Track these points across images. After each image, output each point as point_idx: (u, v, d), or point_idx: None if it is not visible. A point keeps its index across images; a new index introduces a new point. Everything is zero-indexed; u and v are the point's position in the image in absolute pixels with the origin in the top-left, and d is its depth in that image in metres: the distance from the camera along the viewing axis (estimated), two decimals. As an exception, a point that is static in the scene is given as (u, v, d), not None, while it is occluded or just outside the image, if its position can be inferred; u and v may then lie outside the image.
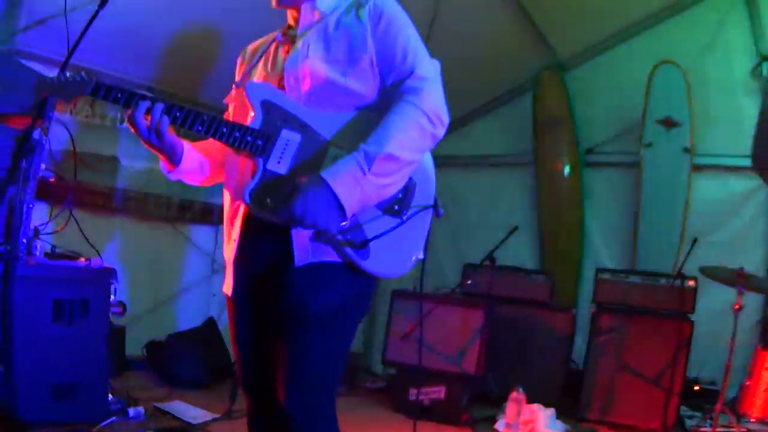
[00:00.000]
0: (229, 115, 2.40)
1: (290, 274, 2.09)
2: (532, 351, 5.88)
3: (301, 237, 2.08)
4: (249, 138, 2.07)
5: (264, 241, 2.18)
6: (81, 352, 4.06)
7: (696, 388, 5.65)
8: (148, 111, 2.06)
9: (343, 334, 2.21)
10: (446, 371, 5.34)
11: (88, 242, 4.47)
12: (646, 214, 6.65)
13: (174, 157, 2.25)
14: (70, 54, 2.70)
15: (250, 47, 2.51)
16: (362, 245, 2.04)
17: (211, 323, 5.93)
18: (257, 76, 2.33)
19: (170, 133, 2.16)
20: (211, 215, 6.26)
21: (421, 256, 2.23)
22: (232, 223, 2.27)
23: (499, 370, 5.62)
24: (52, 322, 3.94)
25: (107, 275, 4.31)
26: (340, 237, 2.01)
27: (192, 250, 6.27)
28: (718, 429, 4.69)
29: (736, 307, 4.69)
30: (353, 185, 2.00)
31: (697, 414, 5.34)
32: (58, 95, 2.11)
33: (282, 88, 2.17)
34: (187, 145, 2.30)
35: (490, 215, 7.27)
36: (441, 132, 2.14)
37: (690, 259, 5.68)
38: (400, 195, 2.14)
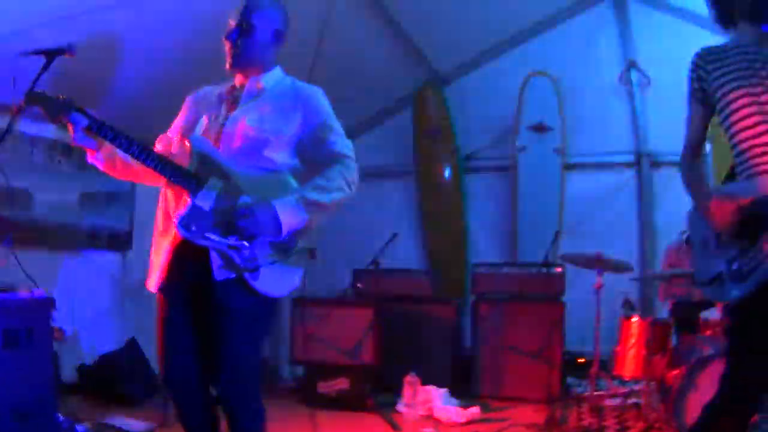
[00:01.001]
0: (168, 147, 2.97)
1: (212, 285, 2.70)
2: (422, 341, 6.55)
3: (215, 259, 2.70)
4: (185, 179, 2.69)
5: (189, 257, 2.73)
6: (31, 376, 4.34)
7: (580, 360, 6.51)
8: (106, 139, 2.71)
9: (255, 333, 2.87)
10: (347, 364, 5.99)
11: (26, 275, 4.72)
12: (523, 212, 7.56)
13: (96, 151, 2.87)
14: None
15: (199, 95, 3.08)
16: (254, 270, 2.69)
17: (133, 343, 6.23)
18: (201, 126, 2.88)
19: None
20: (117, 242, 6.60)
21: (297, 285, 2.88)
22: (163, 235, 2.83)
23: (395, 360, 6.23)
24: (2, 348, 4.22)
25: (48, 304, 4.65)
26: (240, 264, 2.67)
27: (102, 277, 6.56)
28: (596, 391, 5.57)
29: (596, 286, 5.61)
30: (289, 212, 2.70)
31: (583, 383, 6.19)
32: (46, 109, 2.66)
33: (218, 141, 2.80)
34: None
35: (378, 222, 7.85)
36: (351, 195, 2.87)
37: (566, 248, 6.47)
38: (290, 237, 2.79)
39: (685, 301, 5.99)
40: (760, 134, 2.50)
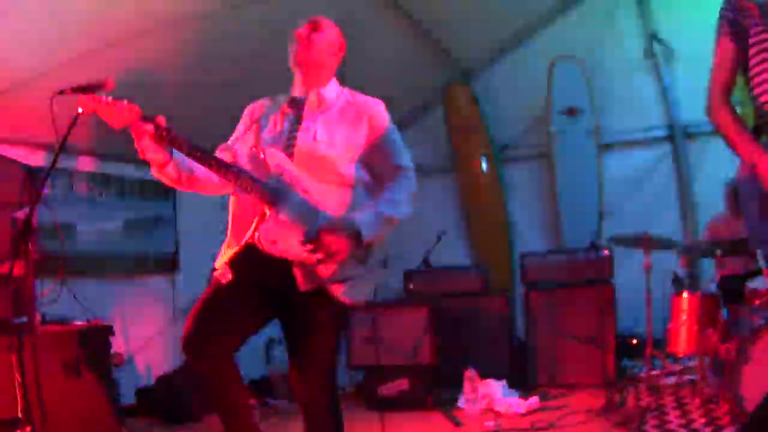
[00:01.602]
0: (235, 158, 3.10)
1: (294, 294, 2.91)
2: (477, 335, 6.76)
3: (298, 270, 2.90)
4: (266, 193, 2.87)
5: (269, 266, 2.90)
6: (93, 402, 4.77)
7: (634, 341, 6.74)
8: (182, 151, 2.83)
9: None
10: (405, 365, 6.23)
11: (81, 304, 5.13)
12: (564, 197, 7.80)
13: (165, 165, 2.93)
14: None
15: (257, 107, 3.25)
16: (338, 282, 2.90)
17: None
18: (268, 138, 3.08)
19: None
20: (164, 265, 6.86)
21: (372, 294, 3.08)
22: (236, 241, 2.98)
23: (453, 357, 6.46)
24: (64, 379, 4.62)
25: (105, 331, 5.07)
26: (323, 277, 2.87)
27: (152, 300, 6.80)
28: (652, 371, 5.78)
29: (645, 266, 5.79)
30: (369, 226, 2.91)
31: (639, 363, 6.40)
32: (108, 117, 2.73)
33: (289, 155, 2.98)
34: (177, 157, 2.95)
35: (421, 221, 7.96)
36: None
37: (610, 230, 6.79)
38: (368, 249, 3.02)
39: (731, 273, 6.17)
40: None
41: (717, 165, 7.39)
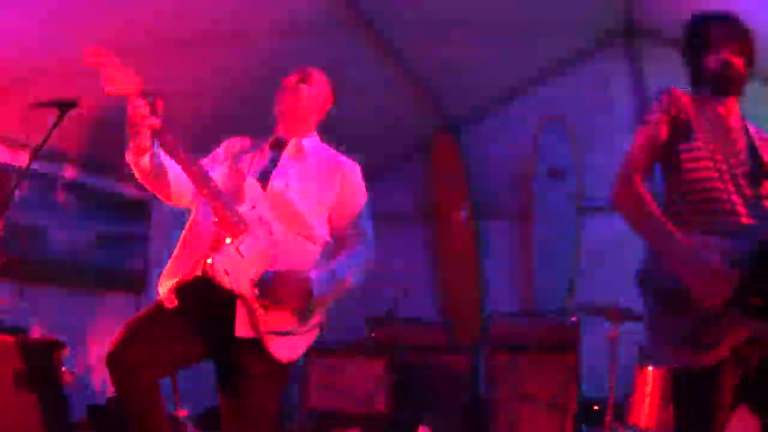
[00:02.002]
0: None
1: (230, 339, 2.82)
2: (436, 390, 6.72)
3: (240, 312, 2.82)
4: (235, 220, 2.81)
5: (212, 302, 2.83)
6: (42, 417, 4.63)
7: (595, 408, 6.79)
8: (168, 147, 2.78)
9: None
10: (360, 413, 6.26)
11: (37, 319, 5.20)
12: (540, 258, 7.87)
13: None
14: None
15: (235, 142, 3.28)
16: (276, 335, 2.83)
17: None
18: (246, 168, 3.08)
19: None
20: (132, 283, 6.80)
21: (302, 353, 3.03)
22: (182, 266, 2.93)
23: (409, 409, 6.44)
24: (14, 389, 4.49)
25: (58, 347, 4.93)
26: (262, 326, 2.79)
27: (116, 317, 6.57)
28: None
29: (611, 336, 5.79)
30: (323, 285, 2.88)
31: (599, 431, 6.48)
32: (109, 78, 2.61)
33: (263, 184, 2.99)
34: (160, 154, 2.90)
35: (392, 268, 8.13)
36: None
37: (585, 295, 6.92)
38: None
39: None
40: (710, 200, 2.67)
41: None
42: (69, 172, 6.24)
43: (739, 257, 2.45)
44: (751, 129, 2.94)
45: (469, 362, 6.93)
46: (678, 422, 2.65)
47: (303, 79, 3.21)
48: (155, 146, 2.84)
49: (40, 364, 4.75)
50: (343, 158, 3.33)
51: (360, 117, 7.17)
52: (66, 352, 5.01)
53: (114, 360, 2.86)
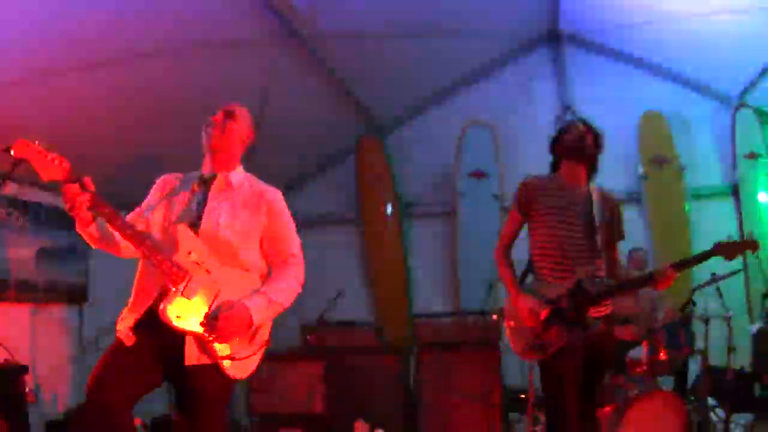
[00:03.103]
0: (148, 228, 3.49)
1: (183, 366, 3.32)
2: (370, 389, 7.38)
3: (190, 344, 3.34)
4: (174, 270, 3.29)
5: (165, 335, 3.30)
6: None
7: (522, 396, 7.49)
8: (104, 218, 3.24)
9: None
10: (300, 414, 6.92)
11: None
12: (465, 258, 8.53)
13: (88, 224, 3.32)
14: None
15: (168, 180, 3.71)
16: (227, 359, 3.38)
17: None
18: (175, 214, 3.51)
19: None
20: (74, 296, 7.22)
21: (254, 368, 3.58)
22: (137, 308, 3.39)
23: (346, 408, 7.10)
24: None
25: (21, 371, 5.41)
26: (214, 353, 3.33)
27: (60, 330, 7.17)
28: (534, 428, 6.44)
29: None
30: (260, 312, 3.41)
31: (524, 418, 7.03)
32: (39, 167, 3.05)
33: (195, 233, 3.41)
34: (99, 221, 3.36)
35: (324, 270, 8.55)
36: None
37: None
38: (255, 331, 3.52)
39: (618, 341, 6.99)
40: (556, 252, 4.19)
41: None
42: (9, 190, 6.50)
43: (560, 293, 4.17)
44: (595, 194, 4.31)
45: (400, 361, 7.60)
46: (545, 393, 4.23)
47: (230, 117, 3.67)
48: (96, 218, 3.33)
49: (7, 390, 5.21)
50: (266, 187, 3.76)
51: (291, 124, 7.77)
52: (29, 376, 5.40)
53: (93, 405, 3.29)
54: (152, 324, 3.33)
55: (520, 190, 4.41)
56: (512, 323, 4.38)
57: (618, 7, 8.02)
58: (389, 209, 9.06)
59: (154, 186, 3.75)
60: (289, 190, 9.07)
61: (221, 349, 3.37)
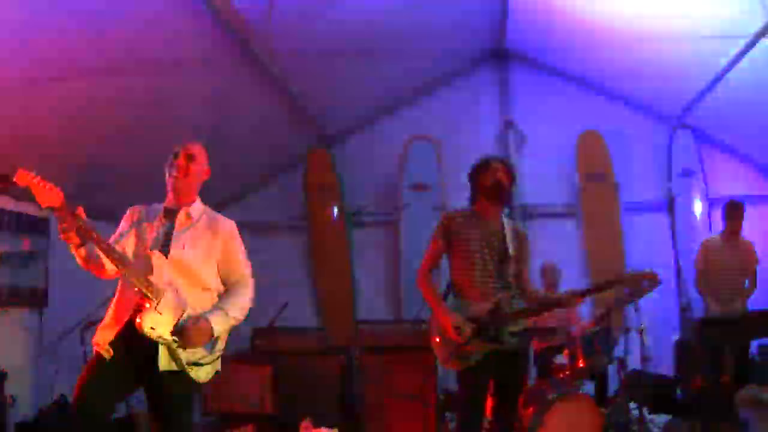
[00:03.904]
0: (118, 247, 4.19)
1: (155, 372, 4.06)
2: (315, 390, 8.10)
3: (162, 352, 4.08)
4: (150, 289, 4.00)
5: (139, 346, 4.05)
6: None
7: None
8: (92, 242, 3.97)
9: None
10: (251, 413, 7.66)
11: None
12: (407, 267, 9.27)
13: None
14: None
15: (135, 212, 4.43)
16: (195, 365, 4.18)
17: (63, 399, 7.33)
18: (149, 240, 4.26)
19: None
20: (34, 299, 7.58)
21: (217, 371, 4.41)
22: (115, 325, 4.13)
23: (293, 408, 7.79)
24: None
25: (3, 376, 5.96)
26: (183, 360, 4.08)
27: (21, 334, 7.51)
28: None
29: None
30: (219, 324, 4.22)
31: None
32: (38, 195, 3.70)
33: (166, 257, 4.18)
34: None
35: (272, 277, 8.64)
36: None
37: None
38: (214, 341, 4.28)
39: (543, 348, 7.81)
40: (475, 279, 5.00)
41: (551, 244, 9.17)
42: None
43: (480, 313, 4.96)
44: (508, 228, 5.12)
45: (344, 363, 8.37)
46: (459, 401, 5.08)
47: (191, 160, 4.37)
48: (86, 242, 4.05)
49: None
50: (221, 218, 4.56)
51: (244, 135, 8.49)
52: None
53: (81, 407, 4.08)
54: (128, 338, 4.10)
55: (443, 222, 5.23)
56: (437, 338, 5.16)
57: (562, 29, 8.70)
58: (335, 212, 9.79)
59: (124, 216, 4.49)
60: (241, 197, 9.99)
61: (187, 356, 4.14)
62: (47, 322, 7.74)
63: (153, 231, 4.38)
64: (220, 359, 4.44)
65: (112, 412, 4.24)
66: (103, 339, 4.15)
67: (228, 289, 4.51)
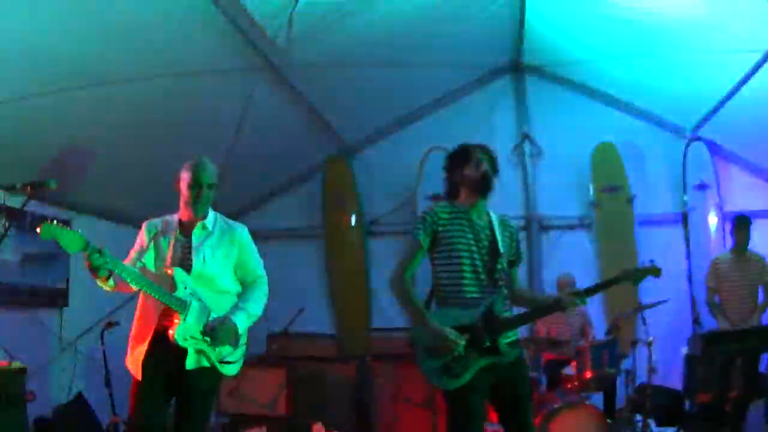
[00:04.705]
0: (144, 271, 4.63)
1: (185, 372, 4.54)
2: (328, 394, 8.55)
3: (191, 354, 4.53)
4: (176, 303, 4.50)
5: (168, 354, 4.52)
6: None
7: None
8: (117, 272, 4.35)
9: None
10: (265, 415, 8.03)
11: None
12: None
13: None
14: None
15: (153, 226, 4.84)
16: (224, 362, 4.73)
17: (80, 397, 7.72)
18: (168, 257, 4.71)
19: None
20: (55, 299, 7.85)
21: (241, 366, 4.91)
22: (144, 336, 4.57)
23: (306, 411, 8.20)
24: None
25: (22, 372, 6.19)
26: (213, 358, 4.63)
27: (43, 332, 7.74)
28: None
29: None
30: (242, 323, 4.76)
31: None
32: (64, 244, 4.13)
33: (187, 271, 4.65)
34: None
35: (289, 284, 9.13)
36: None
37: None
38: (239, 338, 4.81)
39: (552, 360, 8.09)
40: (463, 281, 4.53)
41: (565, 255, 9.47)
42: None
43: (471, 321, 4.44)
44: (496, 221, 4.74)
45: (356, 370, 8.74)
46: (451, 428, 4.50)
47: (210, 187, 4.80)
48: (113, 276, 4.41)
49: (9, 390, 6.02)
50: (234, 224, 5.03)
51: (265, 144, 8.83)
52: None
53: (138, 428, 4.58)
54: (157, 351, 4.58)
55: (426, 218, 4.71)
56: (422, 352, 4.55)
57: (577, 42, 8.99)
58: (353, 220, 10.08)
59: (141, 231, 4.91)
60: (260, 204, 10.39)
61: (216, 355, 4.64)
62: (67, 321, 8.01)
63: (170, 247, 4.82)
64: (244, 354, 4.98)
65: (164, 422, 4.69)
66: (135, 361, 4.62)
67: (245, 288, 5.03)
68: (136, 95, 6.80)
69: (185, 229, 4.87)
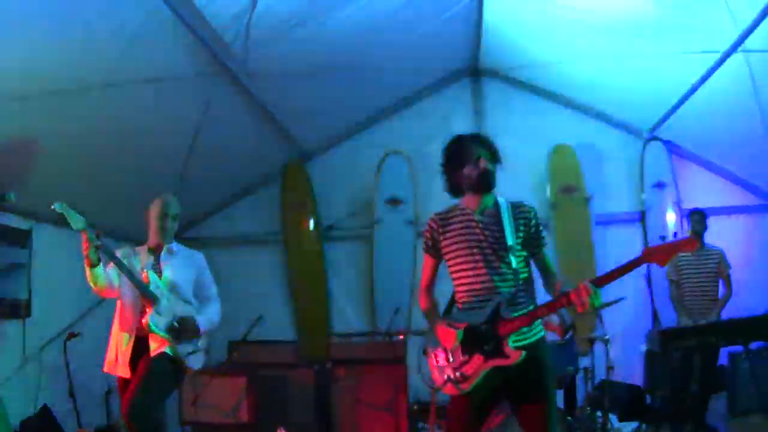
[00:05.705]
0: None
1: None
2: (290, 400, 8.71)
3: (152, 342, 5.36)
4: (152, 296, 5.63)
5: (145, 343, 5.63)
6: None
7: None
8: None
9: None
10: (228, 423, 8.23)
11: None
12: (380, 280, 9.83)
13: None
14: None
15: (124, 252, 6.00)
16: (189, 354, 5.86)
17: (45, 409, 7.71)
18: (141, 266, 5.58)
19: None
20: (17, 310, 7.72)
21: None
22: (126, 329, 5.54)
23: (268, 417, 8.38)
24: None
25: None
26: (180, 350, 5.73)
27: (4, 344, 7.60)
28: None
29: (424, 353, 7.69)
30: (203, 324, 6.01)
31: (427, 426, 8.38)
32: (70, 219, 5.24)
33: (159, 275, 5.56)
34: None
35: (250, 289, 9.85)
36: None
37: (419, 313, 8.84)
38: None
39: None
40: (470, 281, 4.52)
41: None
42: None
43: (480, 319, 4.43)
44: (505, 210, 4.63)
45: (317, 375, 8.88)
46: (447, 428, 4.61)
47: (174, 219, 6.15)
48: (102, 264, 5.40)
49: None
50: (194, 251, 6.37)
51: (222, 150, 8.93)
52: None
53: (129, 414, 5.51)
54: (140, 351, 5.76)
55: (425, 232, 4.82)
56: (434, 360, 4.61)
57: (534, 45, 9.22)
58: (311, 224, 10.26)
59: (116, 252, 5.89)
60: (219, 210, 10.55)
61: (183, 347, 5.81)
62: (30, 332, 7.93)
63: (142, 263, 6.02)
64: (205, 353, 6.18)
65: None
66: (123, 366, 5.79)
67: (202, 302, 6.23)
68: (95, 103, 6.88)
69: (154, 252, 6.13)
